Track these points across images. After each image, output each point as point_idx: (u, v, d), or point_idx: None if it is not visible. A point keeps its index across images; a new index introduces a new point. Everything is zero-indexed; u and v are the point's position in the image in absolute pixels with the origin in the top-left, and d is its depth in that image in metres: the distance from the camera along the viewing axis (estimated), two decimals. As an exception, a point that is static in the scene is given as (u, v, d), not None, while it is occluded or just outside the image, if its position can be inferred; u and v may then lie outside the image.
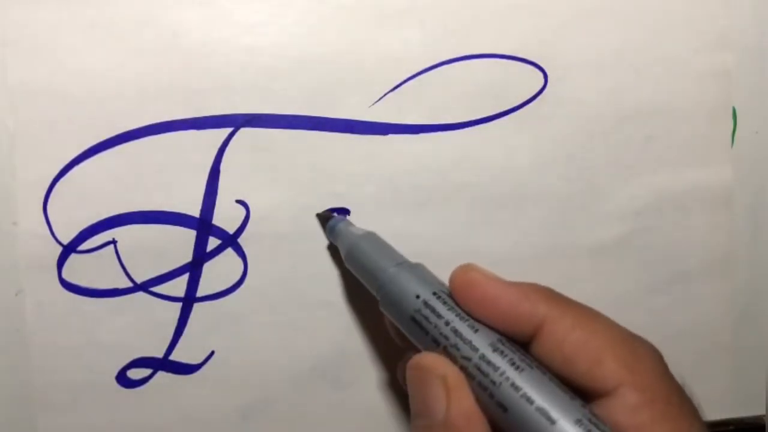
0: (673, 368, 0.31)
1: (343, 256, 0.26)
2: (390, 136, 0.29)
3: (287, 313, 0.29)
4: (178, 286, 0.28)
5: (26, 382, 0.28)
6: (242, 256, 0.28)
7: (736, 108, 0.31)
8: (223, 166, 0.28)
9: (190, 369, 0.28)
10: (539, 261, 0.30)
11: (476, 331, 0.20)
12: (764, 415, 0.32)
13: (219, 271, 0.28)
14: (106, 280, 0.27)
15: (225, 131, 0.28)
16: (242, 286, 0.28)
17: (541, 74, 0.29)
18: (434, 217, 0.29)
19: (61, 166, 0.27)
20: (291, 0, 0.28)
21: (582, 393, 0.19)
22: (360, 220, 0.29)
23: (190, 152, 0.28)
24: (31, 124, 0.27)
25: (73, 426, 0.28)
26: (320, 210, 0.28)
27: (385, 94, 0.28)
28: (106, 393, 0.28)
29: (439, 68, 0.29)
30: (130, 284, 0.28)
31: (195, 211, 0.28)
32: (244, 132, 0.28)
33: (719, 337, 0.32)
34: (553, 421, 0.18)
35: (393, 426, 0.29)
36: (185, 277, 0.28)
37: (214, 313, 0.28)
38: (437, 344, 0.21)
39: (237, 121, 0.28)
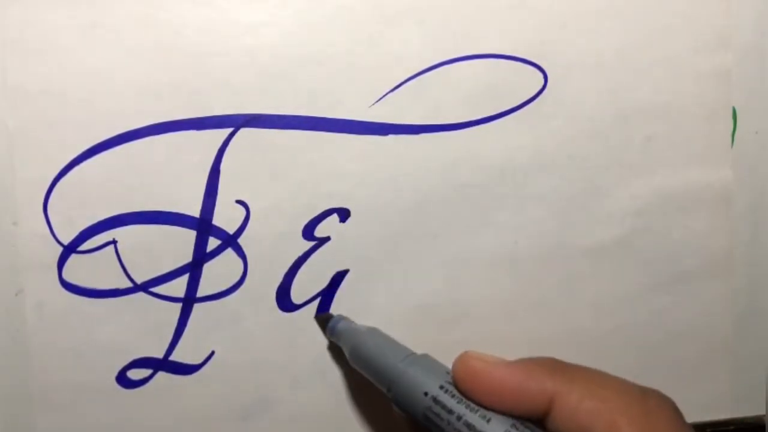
0: (673, 368, 0.31)
1: (347, 356, 0.26)
2: (390, 136, 0.29)
3: (287, 313, 0.28)
4: (178, 287, 0.28)
5: (26, 382, 0.28)
6: (242, 256, 0.28)
7: (736, 108, 0.31)
8: (223, 166, 0.28)
9: (190, 369, 0.28)
10: (539, 261, 0.30)
11: (488, 420, 0.20)
12: (764, 415, 0.32)
13: (219, 272, 0.28)
14: (106, 281, 0.27)
15: (225, 131, 0.28)
16: (242, 286, 0.28)
17: (541, 74, 0.29)
18: (434, 217, 0.29)
19: (61, 166, 0.27)
20: (291, 1, 0.28)
21: None
22: (360, 220, 0.29)
23: (190, 152, 0.28)
24: (31, 124, 0.27)
25: (73, 426, 0.28)
26: (317, 212, 0.28)
27: (385, 94, 0.28)
28: (106, 393, 0.28)
29: (439, 68, 0.29)
30: (130, 284, 0.28)
31: (195, 211, 0.28)
32: (244, 132, 0.28)
33: (719, 337, 0.32)
34: None
35: (393, 425, 0.29)
36: (185, 277, 0.28)
37: (214, 313, 0.28)
38: None
39: (237, 122, 0.28)
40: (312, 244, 0.28)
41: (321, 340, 0.29)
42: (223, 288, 0.28)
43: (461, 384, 0.21)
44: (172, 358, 0.28)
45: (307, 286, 0.29)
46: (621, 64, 0.30)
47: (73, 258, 0.27)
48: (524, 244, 0.30)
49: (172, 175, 0.28)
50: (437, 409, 0.21)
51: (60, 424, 0.28)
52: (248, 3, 0.28)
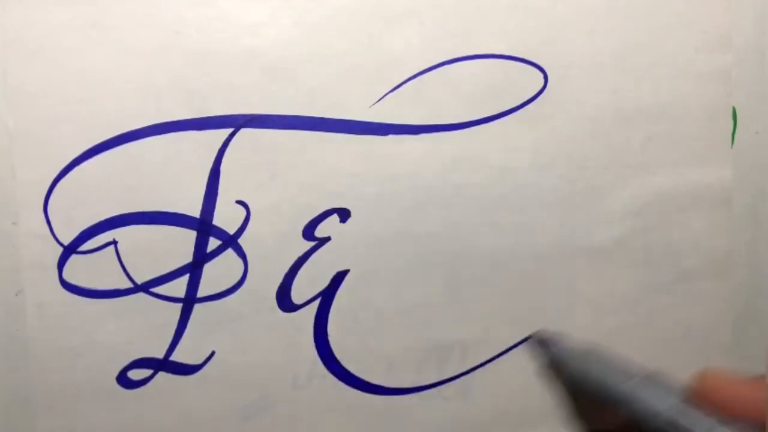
0: (674, 368, 0.31)
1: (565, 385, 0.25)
2: (390, 136, 0.29)
3: (287, 313, 0.28)
4: (178, 287, 0.28)
5: (26, 383, 0.28)
6: (242, 256, 0.28)
7: (736, 108, 0.31)
8: (223, 167, 0.28)
9: (190, 369, 0.28)
10: (539, 261, 0.30)
11: None
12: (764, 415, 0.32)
13: (219, 272, 0.28)
14: (106, 281, 0.27)
15: (225, 131, 0.28)
16: (242, 287, 0.28)
17: (541, 74, 0.29)
18: (434, 217, 0.29)
19: (61, 166, 0.27)
20: (291, 1, 0.28)
21: None
22: (360, 220, 0.29)
23: (190, 152, 0.28)
24: (31, 124, 0.27)
25: (73, 426, 0.28)
26: (317, 212, 0.28)
27: (385, 94, 0.28)
28: (107, 393, 0.28)
29: (439, 68, 0.29)
30: (130, 285, 0.28)
31: (195, 211, 0.28)
32: (245, 132, 0.28)
33: (719, 337, 0.32)
34: None
35: (394, 425, 0.29)
36: (185, 277, 0.28)
37: (215, 314, 0.28)
38: None
39: (237, 122, 0.28)
40: (312, 244, 0.28)
41: (320, 340, 0.29)
42: (223, 288, 0.28)
43: (704, 401, 0.21)
44: (172, 358, 0.28)
45: (307, 286, 0.29)
46: (621, 64, 0.30)
47: (73, 258, 0.27)
48: (524, 244, 0.30)
49: (172, 175, 0.28)
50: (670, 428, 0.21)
51: (60, 424, 0.28)
52: (248, 3, 0.28)
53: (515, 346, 0.30)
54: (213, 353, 0.28)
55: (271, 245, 0.28)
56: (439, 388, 0.30)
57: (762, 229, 0.32)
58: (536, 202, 0.30)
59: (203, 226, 0.28)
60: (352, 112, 0.28)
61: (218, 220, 0.28)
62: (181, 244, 0.28)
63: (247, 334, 0.28)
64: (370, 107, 0.28)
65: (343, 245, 0.29)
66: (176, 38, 0.27)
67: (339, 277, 0.29)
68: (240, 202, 0.28)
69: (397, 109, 0.29)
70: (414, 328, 0.29)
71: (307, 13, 0.28)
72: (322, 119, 0.28)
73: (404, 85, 0.28)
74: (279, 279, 0.28)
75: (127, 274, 0.28)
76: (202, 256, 0.28)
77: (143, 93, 0.27)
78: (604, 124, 0.30)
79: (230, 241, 0.28)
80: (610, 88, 0.30)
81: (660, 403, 0.22)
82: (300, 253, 0.28)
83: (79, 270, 0.27)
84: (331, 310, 0.29)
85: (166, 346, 0.28)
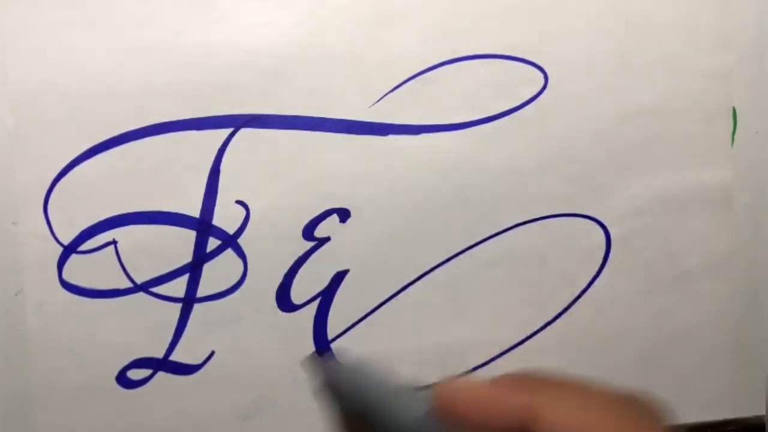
0: (674, 368, 0.31)
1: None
2: (390, 136, 0.29)
3: (287, 313, 0.29)
4: (178, 287, 0.28)
5: (26, 382, 0.28)
6: (242, 256, 0.28)
7: (736, 108, 0.31)
8: (223, 167, 0.28)
9: (190, 369, 0.28)
10: (539, 261, 0.30)
11: None
12: (764, 416, 0.32)
13: (219, 272, 0.28)
14: (106, 281, 0.27)
15: (225, 131, 0.28)
16: (242, 287, 0.28)
17: (541, 74, 0.29)
18: (434, 218, 0.29)
19: (61, 166, 0.27)
20: (291, 1, 0.28)
21: None
22: (360, 220, 0.29)
23: (190, 152, 0.28)
24: (31, 124, 0.27)
25: (73, 426, 0.28)
26: (317, 212, 0.28)
27: (385, 94, 0.28)
28: (106, 393, 0.28)
29: (439, 68, 0.29)
30: (130, 285, 0.28)
31: (195, 211, 0.28)
32: (244, 132, 0.28)
33: (719, 337, 0.32)
34: None
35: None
36: (185, 277, 0.28)
37: (214, 314, 0.28)
38: None
39: (237, 122, 0.28)
40: (312, 244, 0.28)
41: (320, 340, 0.29)
42: (223, 288, 0.28)
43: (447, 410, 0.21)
44: (172, 358, 0.28)
45: (307, 286, 0.29)
46: (621, 64, 0.30)
47: (73, 258, 0.27)
48: (524, 245, 0.30)
49: (172, 175, 0.28)
50: None
51: (60, 424, 0.28)
52: (248, 3, 0.28)
53: (515, 346, 0.30)
54: (213, 353, 0.28)
55: (271, 245, 0.28)
56: (439, 388, 0.30)
57: (762, 229, 0.31)
58: (536, 202, 0.30)
59: (203, 226, 0.28)
60: (352, 112, 0.28)
61: (218, 220, 0.28)
62: (180, 244, 0.28)
63: (247, 334, 0.28)
64: (370, 107, 0.28)
65: (343, 245, 0.29)
66: (176, 38, 0.27)
67: (339, 277, 0.29)
68: (240, 202, 0.28)
69: (397, 109, 0.29)
70: (414, 328, 0.29)
71: (307, 13, 0.28)
72: (322, 119, 0.28)
73: (404, 85, 0.29)
74: (279, 279, 0.28)
75: (127, 274, 0.28)
76: (201, 256, 0.28)
77: (143, 93, 0.27)
78: (604, 124, 0.30)
79: (230, 241, 0.28)
80: (610, 88, 0.30)
81: (403, 416, 0.22)
82: (300, 253, 0.28)
83: (79, 270, 0.27)
84: (330, 310, 0.29)
85: (166, 346, 0.28)
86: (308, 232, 0.28)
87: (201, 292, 0.28)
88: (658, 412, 0.20)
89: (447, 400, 0.21)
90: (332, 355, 0.28)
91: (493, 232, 0.29)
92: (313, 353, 0.28)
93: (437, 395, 0.21)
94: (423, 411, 0.21)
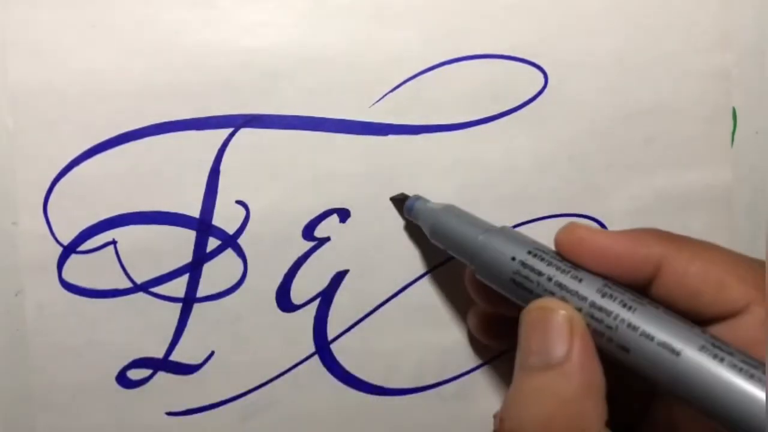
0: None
1: (428, 234, 0.26)
2: (390, 136, 0.29)
3: (287, 314, 0.29)
4: (178, 287, 0.28)
5: (26, 382, 0.28)
6: (242, 256, 0.28)
7: (736, 108, 0.31)
8: (223, 167, 0.28)
9: (190, 369, 0.28)
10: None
11: (581, 280, 0.20)
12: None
13: (219, 272, 0.28)
14: (106, 281, 0.28)
15: (225, 131, 0.28)
16: (242, 287, 0.28)
17: (541, 74, 0.29)
18: (434, 218, 0.29)
19: (61, 166, 0.27)
20: (291, 1, 0.28)
21: (712, 322, 0.19)
22: (360, 220, 0.29)
23: (190, 152, 0.28)
24: (31, 124, 0.27)
25: (73, 426, 0.28)
26: (317, 212, 0.28)
27: (385, 94, 0.28)
28: (106, 393, 0.28)
29: (439, 68, 0.29)
30: (130, 285, 0.28)
31: (195, 211, 0.28)
32: (244, 132, 0.28)
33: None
34: (677, 353, 0.18)
35: (394, 425, 0.29)
36: (185, 277, 0.28)
37: (214, 314, 0.28)
38: None
39: (237, 122, 0.28)
40: (312, 244, 0.28)
41: (320, 340, 0.29)
42: (223, 288, 0.28)
43: (567, 250, 0.21)
44: (172, 358, 0.28)
45: (307, 286, 0.29)
46: (621, 64, 0.30)
47: (73, 258, 0.27)
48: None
49: (172, 175, 0.28)
50: (526, 272, 0.21)
51: (60, 424, 0.28)
52: (248, 3, 0.28)
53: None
54: (213, 353, 0.28)
55: (271, 245, 0.28)
56: (438, 388, 0.30)
57: (762, 229, 0.31)
58: (536, 203, 0.30)
59: (203, 226, 0.28)
60: (352, 112, 0.28)
61: (218, 220, 0.28)
62: (180, 244, 0.28)
63: (247, 334, 0.28)
64: (370, 107, 0.28)
65: (343, 245, 0.29)
66: (176, 38, 0.27)
67: (339, 277, 0.29)
68: (240, 202, 0.28)
69: (397, 109, 0.29)
70: (414, 328, 0.29)
71: (307, 14, 0.28)
72: (322, 119, 0.28)
73: (404, 85, 0.29)
74: (279, 279, 0.28)
75: (127, 274, 0.28)
76: (201, 256, 0.28)
77: (143, 93, 0.27)
78: (604, 124, 0.30)
79: (230, 241, 0.28)
80: (610, 88, 0.30)
81: (508, 253, 0.22)
82: (300, 254, 0.28)
83: (78, 270, 0.27)
84: (331, 310, 0.29)
85: (166, 346, 0.28)
86: (308, 232, 0.28)
87: (201, 292, 0.28)
88: None
89: (574, 241, 0.22)
90: (417, 197, 0.28)
91: (493, 232, 0.29)
92: (399, 195, 0.29)
93: (562, 237, 0.22)
94: (529, 247, 0.22)
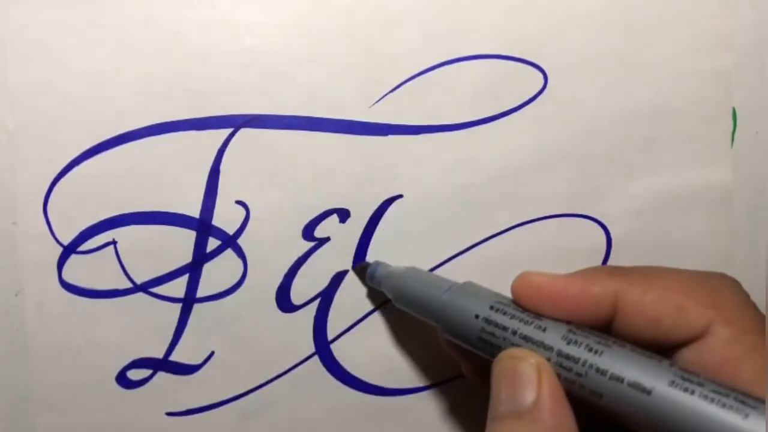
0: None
1: (392, 299, 0.27)
2: (390, 136, 0.29)
3: (287, 314, 0.29)
4: (178, 287, 0.28)
5: (26, 382, 0.28)
6: (242, 256, 0.28)
7: (736, 108, 0.31)
8: (223, 167, 0.28)
9: (190, 369, 0.28)
10: (539, 261, 0.30)
11: (545, 330, 0.20)
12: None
13: (219, 272, 0.28)
14: (106, 281, 0.28)
15: (225, 132, 0.28)
16: (242, 287, 0.28)
17: (541, 74, 0.29)
18: (434, 218, 0.29)
19: (61, 166, 0.27)
20: (291, 1, 0.28)
21: (679, 347, 0.20)
22: (360, 221, 0.29)
23: (190, 153, 0.28)
24: (31, 124, 0.27)
25: (73, 426, 0.28)
26: (317, 212, 0.28)
27: (385, 94, 0.28)
28: (106, 393, 0.28)
29: (439, 68, 0.29)
30: (130, 285, 0.28)
31: (195, 211, 0.28)
32: (244, 132, 0.28)
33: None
34: (648, 392, 0.18)
35: (394, 425, 0.29)
36: (185, 277, 0.28)
37: (214, 314, 0.28)
38: None
39: (237, 122, 0.28)
40: (312, 244, 0.28)
41: (320, 340, 0.29)
42: (223, 288, 0.28)
43: (523, 299, 0.22)
44: (172, 358, 0.28)
45: (307, 286, 0.29)
46: (621, 64, 0.30)
47: (73, 258, 0.27)
48: (524, 245, 0.30)
49: (172, 175, 0.28)
50: (490, 328, 0.22)
51: (60, 424, 0.28)
52: (248, 3, 0.28)
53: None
54: (212, 353, 0.28)
55: (271, 245, 0.28)
56: (439, 388, 0.30)
57: (762, 229, 0.31)
58: (536, 202, 0.30)
59: (203, 226, 0.28)
60: (352, 112, 0.28)
61: (218, 221, 0.28)
62: (180, 244, 0.28)
63: (246, 334, 0.28)
64: (370, 107, 0.28)
65: (343, 245, 0.29)
66: (176, 38, 0.27)
67: (339, 278, 0.29)
68: (240, 202, 0.28)
69: (397, 109, 0.29)
70: (414, 328, 0.29)
71: (307, 14, 0.28)
72: (322, 119, 0.28)
73: (404, 85, 0.29)
74: (278, 279, 0.28)
75: (127, 274, 0.28)
76: (201, 257, 0.28)
77: (143, 93, 0.27)
78: (604, 124, 0.30)
79: (230, 242, 0.28)
80: (610, 88, 0.30)
81: (471, 312, 0.22)
82: (300, 254, 0.28)
83: (78, 270, 0.27)
84: (330, 310, 0.29)
85: (166, 346, 0.28)
86: (308, 232, 0.28)
87: (201, 292, 0.28)
88: (735, 282, 0.20)
89: (528, 290, 0.22)
90: (377, 263, 0.28)
91: (493, 232, 0.29)
92: (361, 264, 0.29)
93: (517, 286, 0.22)
94: (491, 302, 0.22)
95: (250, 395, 0.29)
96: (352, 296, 0.29)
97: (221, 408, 0.29)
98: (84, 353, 0.28)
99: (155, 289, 0.28)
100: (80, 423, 0.28)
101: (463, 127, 0.29)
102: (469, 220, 0.29)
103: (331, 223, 0.29)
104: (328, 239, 0.29)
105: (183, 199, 0.28)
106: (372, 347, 0.29)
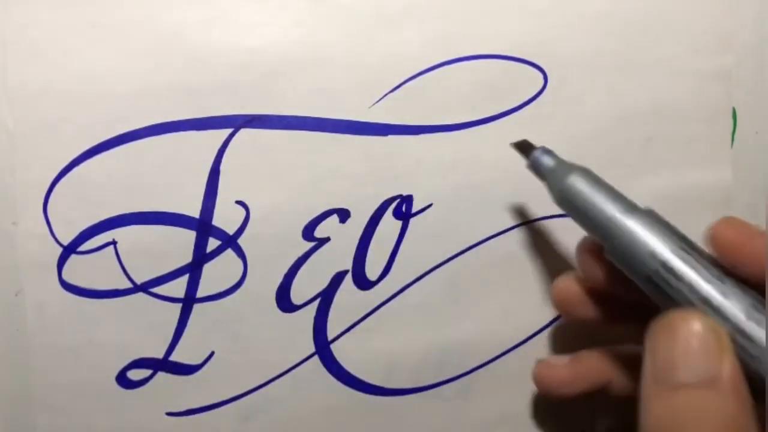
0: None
1: (554, 199, 0.24)
2: (390, 136, 0.29)
3: (287, 314, 0.29)
4: (178, 287, 0.28)
5: (26, 383, 0.28)
6: (242, 256, 0.28)
7: (736, 108, 0.31)
8: (223, 167, 0.28)
9: (190, 369, 0.28)
10: (539, 261, 0.30)
11: (727, 297, 0.19)
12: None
13: (219, 272, 0.28)
14: (106, 281, 0.28)
15: (225, 132, 0.28)
16: (242, 287, 0.28)
17: (541, 74, 0.29)
18: (434, 218, 0.29)
19: (61, 166, 0.27)
20: (291, 1, 0.28)
21: None
22: (360, 221, 0.29)
23: (190, 153, 0.28)
24: (31, 124, 0.27)
25: (73, 426, 0.28)
26: (317, 212, 0.28)
27: (385, 94, 0.28)
28: (106, 393, 0.28)
29: (439, 68, 0.29)
30: (130, 285, 0.28)
31: (195, 211, 0.28)
32: (245, 132, 0.28)
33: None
34: None
35: (394, 425, 0.29)
36: (185, 277, 0.28)
37: (214, 314, 0.28)
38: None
39: (237, 122, 0.28)
40: (312, 244, 0.28)
41: (320, 340, 0.29)
42: (223, 288, 0.28)
43: (726, 251, 0.20)
44: (172, 358, 0.28)
45: (307, 286, 0.29)
46: (621, 64, 0.30)
47: (73, 258, 0.27)
48: (524, 244, 0.30)
49: (172, 175, 0.28)
50: (666, 275, 0.20)
51: (60, 424, 0.28)
52: (248, 3, 0.28)
53: (515, 346, 0.30)
54: (213, 353, 0.28)
55: (271, 245, 0.28)
56: (438, 388, 0.30)
57: (762, 230, 0.31)
58: (536, 202, 0.30)
59: (203, 226, 0.28)
60: (352, 112, 0.28)
61: (218, 221, 0.28)
62: (180, 244, 0.28)
63: (247, 334, 0.28)
64: (370, 107, 0.28)
65: (343, 245, 0.29)
66: (176, 38, 0.27)
67: (339, 278, 0.29)
68: (240, 203, 0.28)
69: (397, 109, 0.29)
70: (414, 328, 0.29)
71: (307, 13, 0.28)
72: (322, 119, 0.28)
73: (404, 85, 0.29)
74: (278, 279, 0.28)
75: (127, 274, 0.28)
76: (201, 257, 0.28)
77: (143, 93, 0.27)
78: (604, 124, 0.30)
79: (230, 242, 0.28)
80: (610, 88, 0.30)
81: (648, 248, 0.20)
82: (300, 254, 0.28)
83: (78, 270, 0.27)
84: (330, 310, 0.29)
85: (166, 346, 0.28)
86: (308, 232, 0.28)
87: (201, 292, 0.28)
88: None
89: (731, 245, 0.20)
90: (545, 149, 0.25)
91: (493, 233, 0.29)
92: (522, 141, 0.26)
93: (721, 237, 0.20)
94: (673, 245, 0.20)
95: (250, 395, 0.29)
96: (352, 296, 0.29)
97: (221, 408, 0.29)
98: (84, 353, 0.28)
99: (155, 289, 0.28)
100: (80, 423, 0.28)
101: (463, 127, 0.29)
102: (469, 220, 0.29)
103: (331, 223, 0.29)
104: (328, 239, 0.29)
105: (183, 199, 0.28)
106: (372, 347, 0.29)
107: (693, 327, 0.19)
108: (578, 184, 0.23)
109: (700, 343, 0.18)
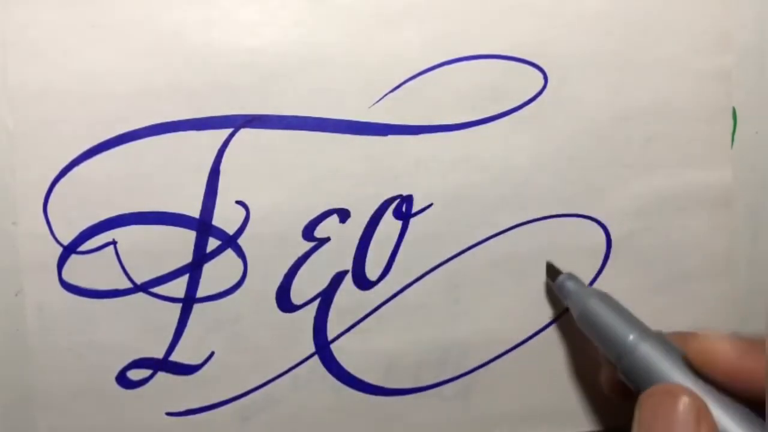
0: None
1: (575, 318, 0.27)
2: (390, 136, 0.29)
3: (287, 314, 0.29)
4: (178, 287, 0.28)
5: (26, 383, 0.28)
6: (242, 256, 0.28)
7: (736, 108, 0.31)
8: (223, 167, 0.28)
9: (190, 369, 0.28)
10: (539, 261, 0.30)
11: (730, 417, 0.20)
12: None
13: (219, 272, 0.28)
14: (106, 281, 0.28)
15: (225, 132, 0.28)
16: (242, 287, 0.28)
17: (541, 74, 0.29)
18: (434, 219, 0.29)
19: (61, 166, 0.27)
20: (291, 1, 0.28)
21: None
22: (360, 221, 0.29)
23: (190, 153, 0.28)
24: (31, 124, 0.27)
25: (73, 426, 0.28)
26: (317, 212, 0.28)
27: (385, 94, 0.28)
28: (106, 393, 0.28)
29: (439, 68, 0.29)
30: (130, 285, 0.28)
31: (195, 211, 0.28)
32: (245, 132, 0.28)
33: (719, 337, 0.32)
34: None
35: (394, 425, 0.29)
36: (185, 277, 0.28)
37: (214, 314, 0.28)
38: None
39: (237, 122, 0.28)
40: (312, 244, 0.28)
41: (320, 340, 0.29)
42: (223, 288, 0.28)
43: (698, 367, 0.21)
44: (172, 358, 0.28)
45: (307, 286, 0.29)
46: (621, 64, 0.30)
47: (73, 258, 0.27)
48: (524, 244, 0.30)
49: (172, 175, 0.28)
50: None
51: (60, 424, 0.28)
52: (248, 3, 0.28)
53: (515, 346, 0.30)
54: (212, 353, 0.28)
55: (271, 245, 0.28)
56: (439, 388, 0.30)
57: (762, 229, 0.31)
58: (536, 202, 0.30)
59: (203, 226, 0.28)
60: (352, 112, 0.28)
61: (218, 221, 0.28)
62: (180, 244, 0.28)
63: (247, 334, 0.28)
64: (370, 107, 0.28)
65: (343, 245, 0.29)
66: (176, 38, 0.27)
67: (339, 278, 0.29)
68: (240, 203, 0.28)
69: (397, 109, 0.29)
70: (414, 328, 0.29)
71: (307, 13, 0.28)
72: (322, 119, 0.28)
73: (404, 85, 0.29)
74: (278, 279, 0.28)
75: (127, 275, 0.28)
76: (201, 257, 0.28)
77: (143, 93, 0.27)
78: (604, 124, 0.30)
79: (230, 242, 0.28)
80: (610, 88, 0.30)
81: (654, 369, 0.22)
82: (300, 254, 0.28)
83: (78, 270, 0.27)
84: (330, 310, 0.29)
85: (166, 346, 0.28)
86: (308, 232, 0.28)
87: (201, 292, 0.28)
88: None
89: (704, 357, 0.21)
90: (570, 275, 0.28)
91: (493, 232, 0.29)
92: (553, 266, 0.29)
93: (694, 351, 0.21)
94: (675, 365, 0.22)
95: (250, 395, 0.29)
96: (352, 296, 0.29)
97: (221, 408, 0.29)
98: (84, 353, 0.28)
99: (155, 289, 0.28)
100: (80, 423, 0.28)
101: (463, 127, 0.29)
102: (469, 220, 0.29)
103: (331, 223, 0.29)
104: (328, 239, 0.29)
105: (183, 199, 0.28)
106: (372, 347, 0.29)
107: (667, 398, 0.20)
108: (596, 307, 0.26)
109: (672, 415, 0.20)
